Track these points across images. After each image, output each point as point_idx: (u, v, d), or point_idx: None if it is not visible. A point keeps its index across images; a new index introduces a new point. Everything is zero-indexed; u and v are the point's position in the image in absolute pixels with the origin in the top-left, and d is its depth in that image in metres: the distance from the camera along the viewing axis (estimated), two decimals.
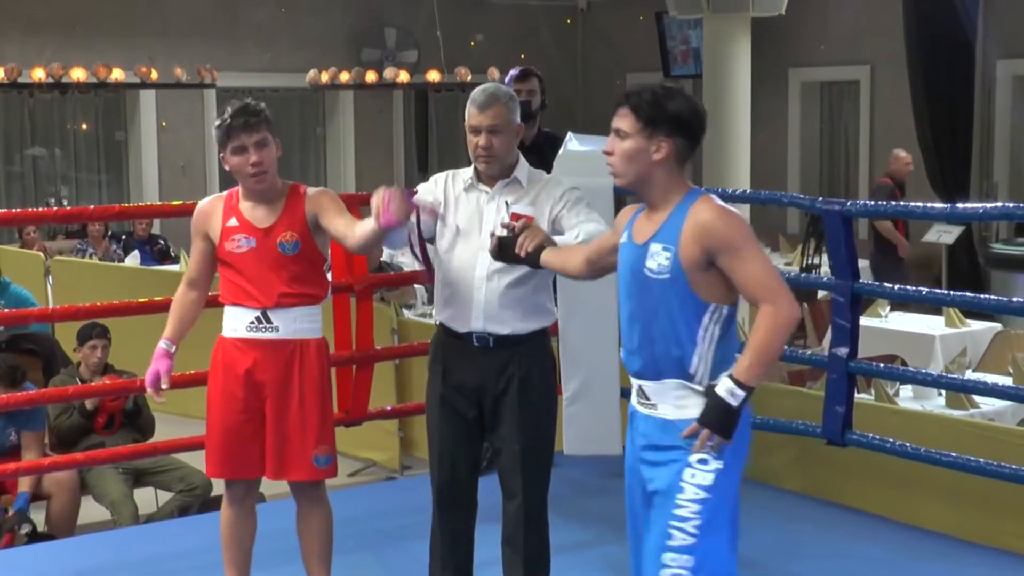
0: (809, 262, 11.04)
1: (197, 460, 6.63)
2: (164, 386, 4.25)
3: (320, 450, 4.24)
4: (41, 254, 10.79)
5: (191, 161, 14.59)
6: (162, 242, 12.70)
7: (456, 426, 4.18)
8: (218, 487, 6.60)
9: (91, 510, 6.64)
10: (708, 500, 3.23)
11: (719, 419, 3.18)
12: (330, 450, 4.28)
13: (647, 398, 3.34)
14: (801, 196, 6.18)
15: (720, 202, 3.29)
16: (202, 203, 4.34)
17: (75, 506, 6.40)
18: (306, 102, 15.60)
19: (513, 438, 4.13)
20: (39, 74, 11.57)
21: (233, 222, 4.20)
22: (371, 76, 13.09)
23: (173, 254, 12.27)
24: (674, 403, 3.29)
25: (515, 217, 4.07)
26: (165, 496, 6.80)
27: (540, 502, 4.24)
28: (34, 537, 6.09)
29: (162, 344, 4.30)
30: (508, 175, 4.18)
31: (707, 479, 3.23)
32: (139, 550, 5.37)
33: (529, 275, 4.11)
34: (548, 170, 5.66)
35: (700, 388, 3.26)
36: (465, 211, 4.18)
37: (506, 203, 4.13)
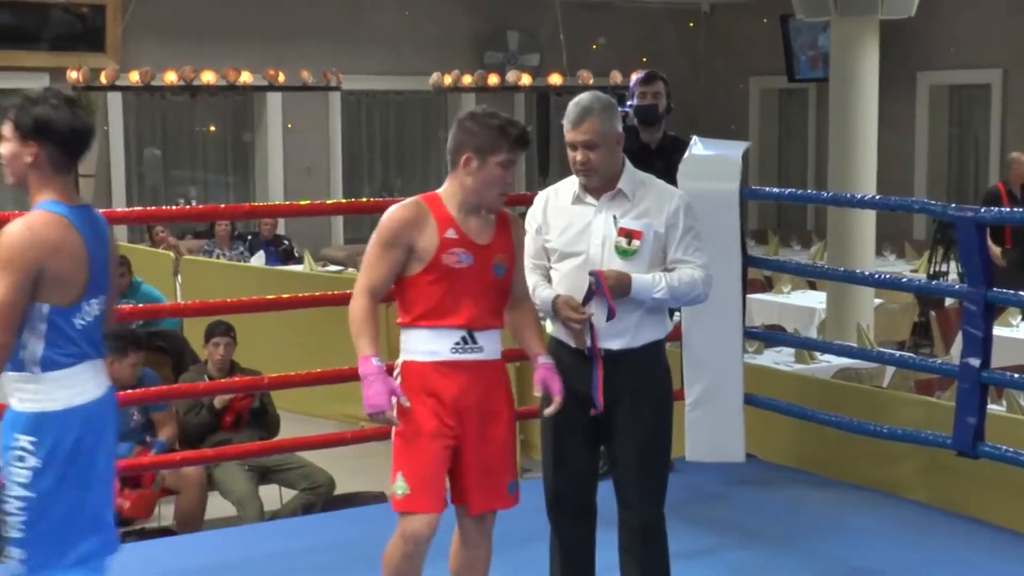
0: (937, 269, 10.82)
1: (320, 458, 6.74)
2: (406, 403, 3.85)
3: (512, 476, 4.03)
4: (171, 253, 11.02)
5: (315, 163, 14.78)
6: (286, 242, 12.89)
7: (569, 435, 4.14)
8: (341, 486, 6.70)
9: (218, 506, 6.75)
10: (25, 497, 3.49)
11: None
12: (516, 475, 4.10)
13: None
14: (932, 202, 6.06)
15: (19, 224, 3.44)
16: (400, 211, 3.92)
17: (202, 502, 6.52)
18: (429, 105, 15.71)
19: (627, 448, 4.10)
20: (171, 77, 11.83)
21: (452, 234, 3.87)
22: (493, 79, 13.13)
23: (297, 254, 12.44)
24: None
25: (622, 232, 4.07)
26: (288, 494, 6.89)
27: (657, 512, 4.20)
28: (162, 532, 6.21)
29: (374, 361, 3.79)
30: (612, 186, 4.12)
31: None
32: (264, 547, 5.43)
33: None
34: (674, 174, 5.67)
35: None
36: (573, 226, 4.14)
37: (614, 217, 4.09)
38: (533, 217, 4.22)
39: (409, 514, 3.84)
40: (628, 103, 6.13)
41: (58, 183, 3.53)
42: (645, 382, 4.13)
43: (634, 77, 6.35)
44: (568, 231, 4.14)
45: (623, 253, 4.08)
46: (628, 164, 4.21)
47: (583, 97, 4.16)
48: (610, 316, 4.00)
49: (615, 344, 4.09)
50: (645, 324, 4.12)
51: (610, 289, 3.98)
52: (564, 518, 4.24)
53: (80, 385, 3.53)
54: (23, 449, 3.47)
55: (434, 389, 3.86)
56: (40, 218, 3.46)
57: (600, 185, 4.13)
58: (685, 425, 5.80)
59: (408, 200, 3.96)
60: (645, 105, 6.08)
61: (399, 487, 3.84)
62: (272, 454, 6.36)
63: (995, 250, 10.87)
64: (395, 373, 3.90)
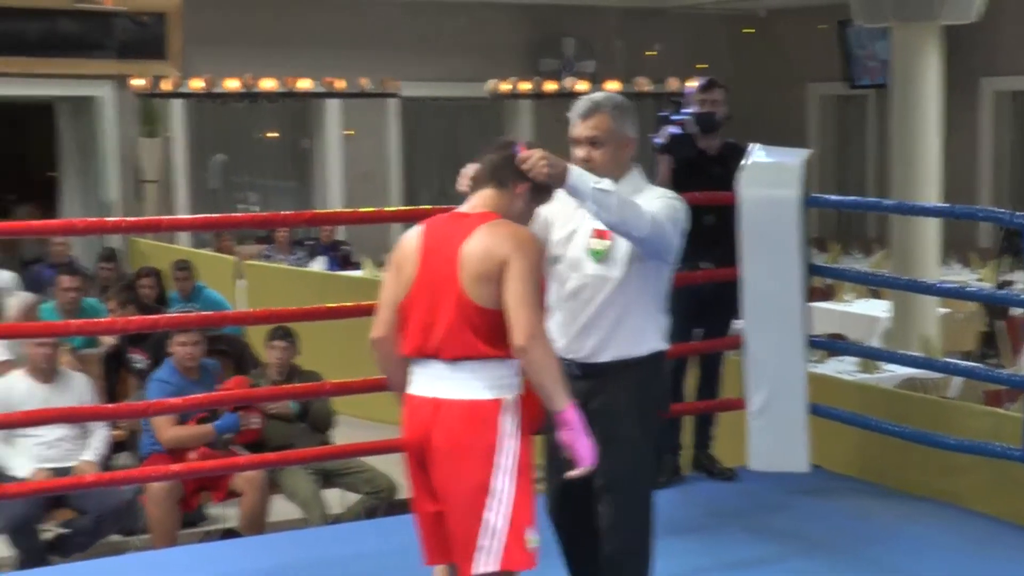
0: (1004, 278, 10.69)
1: (383, 463, 6.78)
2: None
3: None
4: (232, 258, 11.11)
5: (373, 169, 14.86)
6: (345, 248, 12.97)
7: (554, 452, 3.84)
8: (403, 491, 6.73)
9: (281, 509, 6.80)
10: None
11: None
12: None
13: None
14: (999, 210, 6.00)
15: None
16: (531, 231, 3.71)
17: (266, 504, 6.57)
18: (485, 111, 15.75)
19: (596, 475, 3.69)
20: (232, 84, 11.94)
21: None
22: (550, 86, 13.16)
23: (355, 260, 12.52)
24: None
25: (595, 233, 3.91)
26: (351, 498, 6.94)
27: (623, 546, 3.98)
28: (227, 533, 6.28)
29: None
30: None
31: None
32: (328, 550, 5.46)
33: (616, 297, 3.92)
34: (732, 181, 5.66)
35: None
36: (564, 227, 4.03)
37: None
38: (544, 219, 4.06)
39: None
40: (686, 110, 6.13)
41: None
42: (612, 404, 3.92)
43: (693, 84, 6.35)
44: (560, 232, 4.02)
45: (595, 254, 3.94)
46: (636, 172, 4.07)
47: (598, 94, 4.09)
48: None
49: (581, 355, 3.93)
50: (618, 335, 3.93)
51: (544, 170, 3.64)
52: (559, 531, 4.10)
53: None
54: None
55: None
56: None
57: None
58: (747, 433, 5.79)
59: (499, 219, 3.60)
60: (704, 112, 6.08)
61: (533, 540, 3.56)
62: (335, 458, 6.40)
63: None
64: (509, 411, 3.55)
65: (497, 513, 3.49)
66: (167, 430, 6.40)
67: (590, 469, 3.52)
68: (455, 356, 3.52)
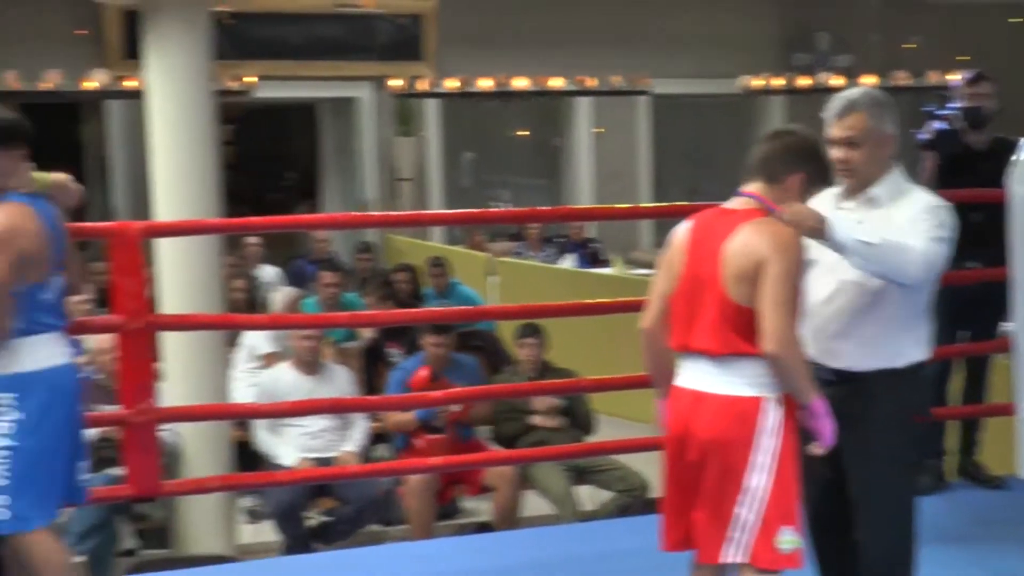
0: None
1: (636, 461, 6.77)
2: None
3: None
4: (484, 255, 11.29)
5: (623, 167, 14.86)
6: (595, 245, 13.01)
7: (807, 462, 3.71)
8: (657, 489, 6.70)
9: (533, 504, 6.87)
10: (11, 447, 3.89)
11: None
12: None
13: None
14: None
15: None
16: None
17: (518, 499, 6.65)
18: (736, 108, 15.56)
19: (852, 481, 3.80)
20: (486, 83, 12.14)
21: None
22: (803, 81, 12.92)
23: (604, 257, 12.55)
24: None
25: None
26: (604, 495, 6.95)
27: (887, 554, 3.89)
28: (481, 527, 6.38)
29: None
30: (866, 190, 3.84)
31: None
32: (580, 547, 5.48)
33: (875, 304, 3.79)
34: (1003, 177, 5.42)
35: None
36: None
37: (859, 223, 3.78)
38: None
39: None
40: (952, 105, 5.91)
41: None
42: (870, 413, 3.82)
43: (959, 77, 6.11)
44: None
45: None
46: (897, 171, 3.92)
47: (855, 91, 3.95)
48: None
49: (836, 362, 3.83)
50: (876, 342, 3.81)
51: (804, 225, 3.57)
52: (812, 535, 3.98)
53: (47, 351, 4.00)
54: (6, 405, 3.93)
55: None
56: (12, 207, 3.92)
57: (857, 188, 3.88)
58: (1018, 440, 5.53)
59: (764, 218, 3.56)
60: (972, 107, 5.85)
61: (788, 542, 3.51)
62: (588, 456, 6.43)
63: None
64: (770, 409, 3.51)
65: (749, 509, 3.48)
66: (392, 416, 6.56)
67: (830, 448, 3.54)
68: (718, 352, 3.52)
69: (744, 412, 3.50)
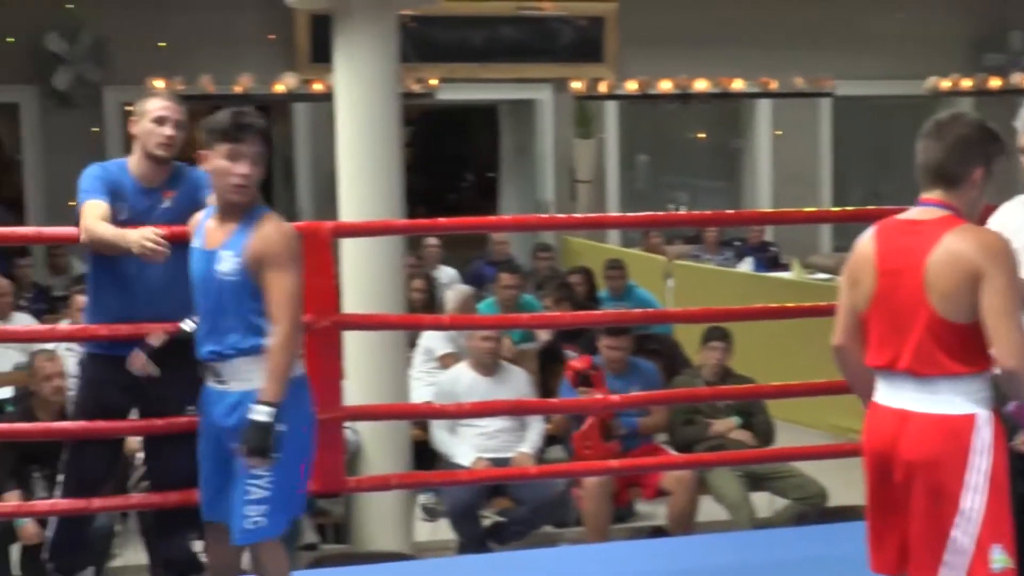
0: None
1: (813, 469, 6.67)
2: None
3: None
4: (661, 257, 11.25)
5: (803, 169, 14.64)
6: (773, 249, 12.85)
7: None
8: (835, 498, 6.61)
9: (709, 509, 6.83)
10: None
11: (259, 437, 3.90)
12: None
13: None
14: None
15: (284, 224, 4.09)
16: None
17: (694, 504, 6.61)
18: (921, 110, 15.16)
19: None
20: (666, 85, 12.10)
21: None
22: (995, 82, 12.53)
23: (783, 262, 12.37)
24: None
25: None
26: (780, 502, 6.87)
27: None
28: (656, 531, 6.36)
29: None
30: None
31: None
32: (756, 554, 5.43)
33: None
34: None
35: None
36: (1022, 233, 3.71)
37: None
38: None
39: None
40: None
41: None
42: None
43: None
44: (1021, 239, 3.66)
45: None
46: None
47: None
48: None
49: None
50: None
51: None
52: None
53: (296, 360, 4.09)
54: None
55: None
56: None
57: None
58: None
59: (964, 225, 3.45)
60: None
61: (999, 560, 3.42)
62: (767, 462, 6.36)
63: None
64: (982, 427, 3.41)
65: (964, 532, 3.39)
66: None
67: None
68: (926, 373, 3.42)
69: (955, 430, 3.40)
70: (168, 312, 4.51)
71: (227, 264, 4.03)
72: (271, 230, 4.03)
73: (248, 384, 4.03)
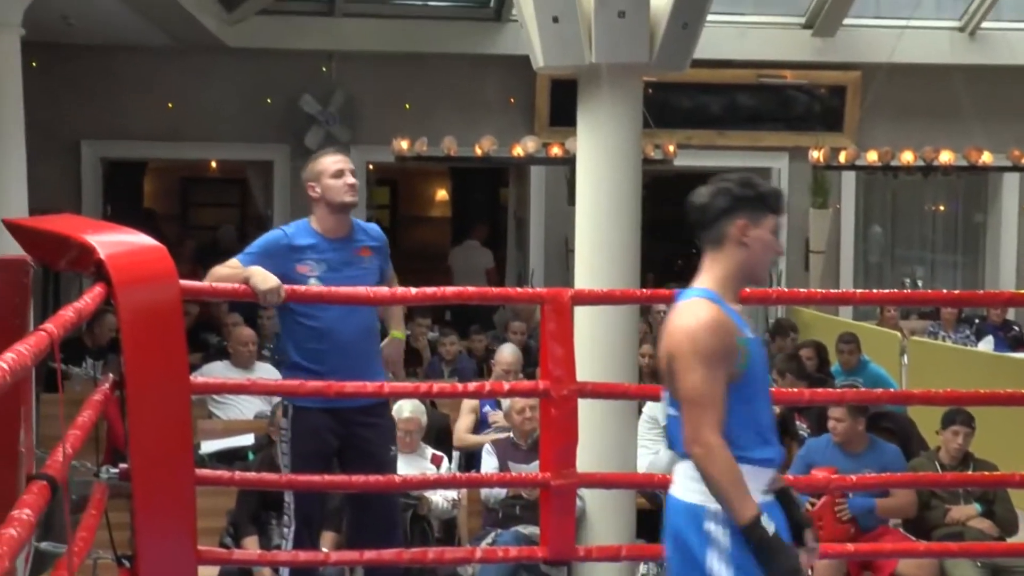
0: None
1: None
2: None
3: None
4: (897, 333, 10.96)
5: None
6: (1016, 328, 12.36)
7: None
8: None
9: None
10: None
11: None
12: None
13: None
14: None
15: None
16: None
17: None
18: None
19: None
20: (908, 156, 11.84)
21: None
22: None
23: None
24: None
25: None
26: None
27: None
28: None
29: None
30: None
31: None
32: None
33: None
34: None
35: None
36: None
37: None
38: None
39: None
40: None
41: None
42: None
43: None
44: None
45: None
46: None
47: None
48: None
49: None
50: None
51: None
52: None
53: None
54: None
55: None
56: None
57: None
58: None
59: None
60: None
61: None
62: (1009, 556, 6.10)
63: None
64: None
65: None
66: None
67: None
68: None
69: None
70: (358, 366, 4.78)
71: None
72: None
73: None
